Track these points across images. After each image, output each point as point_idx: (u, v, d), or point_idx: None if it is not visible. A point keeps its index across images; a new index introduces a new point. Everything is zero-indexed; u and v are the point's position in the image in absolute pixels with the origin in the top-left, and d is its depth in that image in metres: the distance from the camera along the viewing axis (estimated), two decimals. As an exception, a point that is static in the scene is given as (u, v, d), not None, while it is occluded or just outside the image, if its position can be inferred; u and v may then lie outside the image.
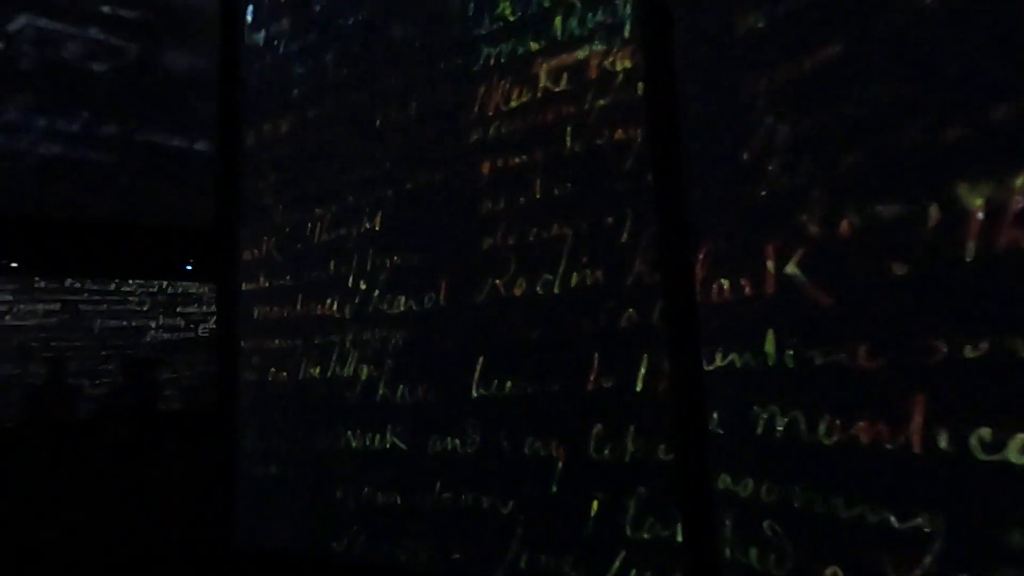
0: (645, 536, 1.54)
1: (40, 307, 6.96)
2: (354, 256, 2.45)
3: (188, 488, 3.57)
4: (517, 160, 1.97)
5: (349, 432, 2.31)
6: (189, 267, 7.80)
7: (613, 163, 1.74)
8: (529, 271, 1.85)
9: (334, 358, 2.47)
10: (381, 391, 2.19)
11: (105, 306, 7.36)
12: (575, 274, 1.75)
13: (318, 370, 2.55)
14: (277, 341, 2.81)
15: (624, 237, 1.68)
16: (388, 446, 2.15)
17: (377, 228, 2.41)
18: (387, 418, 2.16)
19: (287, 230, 2.84)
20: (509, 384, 1.84)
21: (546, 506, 1.72)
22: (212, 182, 3.80)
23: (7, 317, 6.78)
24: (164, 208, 3.92)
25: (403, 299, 2.20)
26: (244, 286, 3.04)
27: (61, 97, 3.87)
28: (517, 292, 1.87)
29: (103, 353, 7.30)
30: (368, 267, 2.38)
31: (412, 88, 2.35)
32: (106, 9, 4.12)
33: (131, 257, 6.85)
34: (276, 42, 2.97)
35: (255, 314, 2.97)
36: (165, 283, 7.79)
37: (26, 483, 3.81)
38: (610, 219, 1.72)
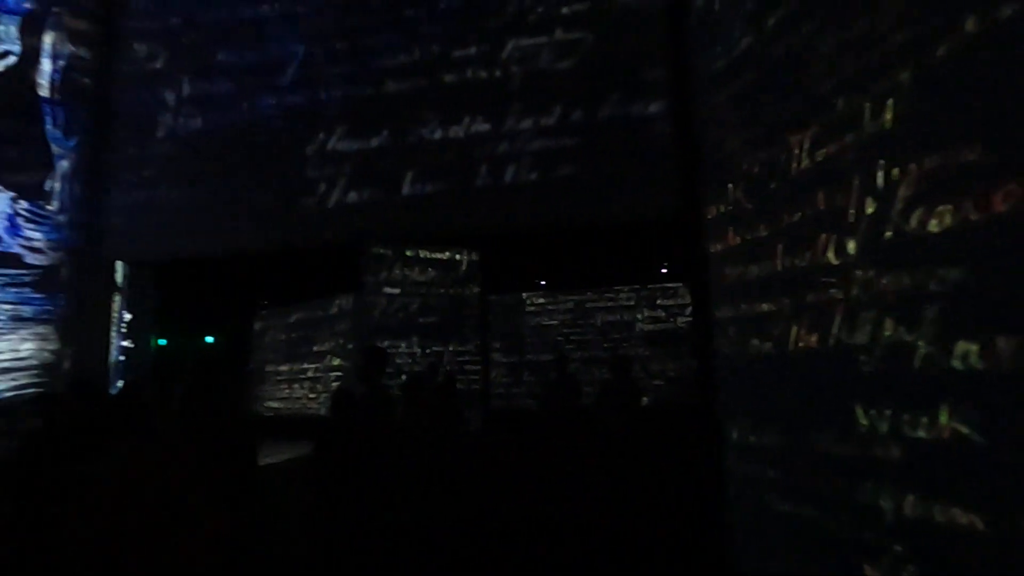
0: None
1: (561, 307, 9.10)
2: (853, 175, 1.78)
3: (677, 492, 3.37)
4: None
5: (872, 414, 1.63)
6: (664, 269, 8.82)
7: None
8: None
9: (838, 318, 1.84)
10: (923, 352, 1.45)
11: (602, 303, 9.06)
12: None
13: (815, 337, 1.96)
14: (757, 305, 2.35)
15: None
16: (945, 436, 1.39)
17: (887, 127, 1.68)
18: (938, 394, 1.41)
19: (755, 171, 2.35)
20: None
21: None
22: (671, 137, 3.73)
23: (541, 317, 9.18)
24: (634, 189, 4.01)
25: (949, 211, 1.42)
26: (712, 248, 2.70)
27: (541, 99, 4.43)
28: None
29: (605, 345, 8.75)
30: (879, 184, 1.68)
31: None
32: (565, 10, 4.54)
33: (621, 266, 8.39)
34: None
35: (726, 277, 2.58)
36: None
37: (533, 464, 4.31)
38: None
